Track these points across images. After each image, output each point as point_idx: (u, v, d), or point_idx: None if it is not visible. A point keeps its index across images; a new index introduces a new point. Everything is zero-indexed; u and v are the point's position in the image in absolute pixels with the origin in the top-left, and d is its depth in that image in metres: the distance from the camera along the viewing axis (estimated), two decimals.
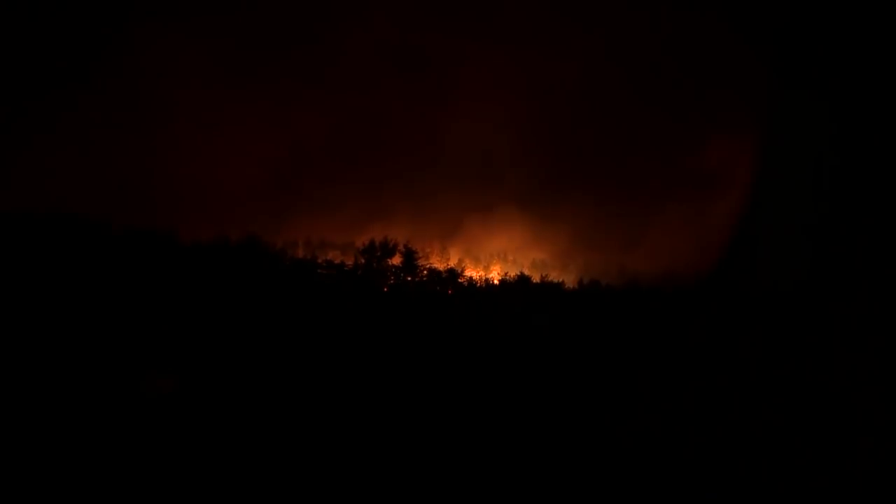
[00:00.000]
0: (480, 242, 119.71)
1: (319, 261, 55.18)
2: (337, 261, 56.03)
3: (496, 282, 67.98)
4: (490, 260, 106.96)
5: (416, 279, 54.10)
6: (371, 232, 60.24)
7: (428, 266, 57.30)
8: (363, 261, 51.44)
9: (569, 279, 77.53)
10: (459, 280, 57.69)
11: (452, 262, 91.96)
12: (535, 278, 64.13)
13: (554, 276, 74.63)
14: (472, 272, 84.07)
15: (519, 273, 68.42)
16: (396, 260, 54.03)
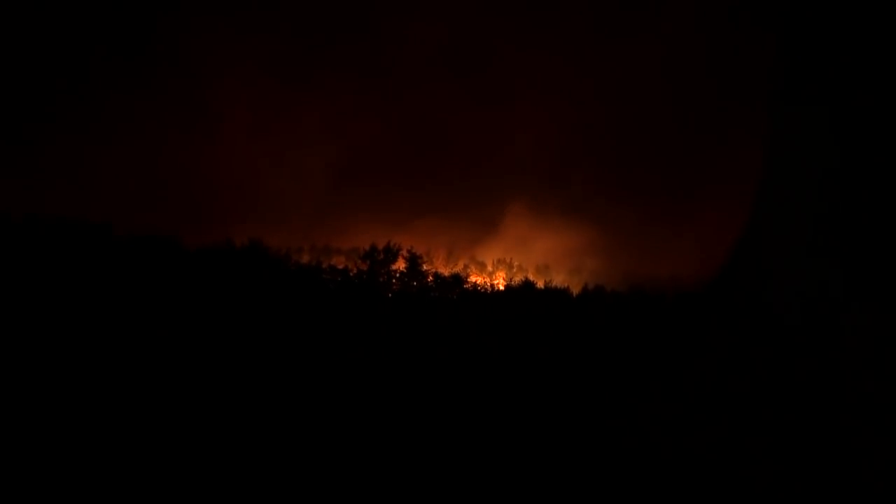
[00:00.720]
0: (485, 248, 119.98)
1: (324, 266, 55.10)
2: (341, 266, 55.93)
3: (501, 287, 67.78)
4: (496, 265, 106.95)
5: (420, 284, 53.97)
6: (379, 238, 60.44)
7: (433, 271, 57.22)
8: (366, 266, 51.32)
9: (574, 284, 77.17)
10: (465, 286, 57.47)
11: (458, 268, 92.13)
12: (540, 284, 63.93)
13: (559, 282, 74.28)
14: (477, 278, 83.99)
15: (524, 278, 68.33)
16: (401, 265, 54.00)
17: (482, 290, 59.59)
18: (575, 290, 66.38)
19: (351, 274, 52.10)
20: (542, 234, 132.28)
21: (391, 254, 52.53)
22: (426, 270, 55.42)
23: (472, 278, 74.05)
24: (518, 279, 71.95)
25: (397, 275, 53.76)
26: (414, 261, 53.86)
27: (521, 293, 59.13)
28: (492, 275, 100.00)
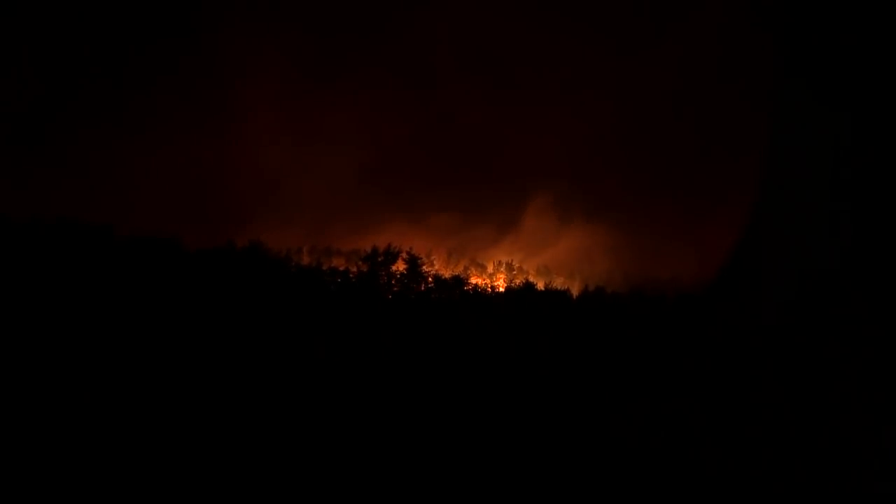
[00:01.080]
0: (492, 248, 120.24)
1: (325, 268, 54.91)
2: (342, 268, 55.72)
3: (501, 289, 67.68)
4: (497, 267, 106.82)
5: (421, 287, 53.66)
6: (394, 235, 60.43)
7: (433, 273, 56.92)
8: (366, 268, 51.10)
9: (574, 286, 77.12)
10: (465, 288, 57.14)
11: (458, 269, 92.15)
12: (540, 285, 63.81)
13: (559, 283, 74.21)
14: (478, 279, 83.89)
15: (524, 280, 68.22)
16: (402, 266, 53.68)
17: (482, 292, 59.42)
18: (575, 292, 66.30)
19: (351, 275, 51.83)
20: (547, 235, 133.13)
21: (391, 255, 52.22)
22: (426, 272, 55.10)
23: (473, 280, 73.87)
24: (519, 281, 71.86)
25: (398, 276, 53.44)
26: (414, 262, 53.49)
27: (521, 295, 58.93)
28: (492, 276, 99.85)
